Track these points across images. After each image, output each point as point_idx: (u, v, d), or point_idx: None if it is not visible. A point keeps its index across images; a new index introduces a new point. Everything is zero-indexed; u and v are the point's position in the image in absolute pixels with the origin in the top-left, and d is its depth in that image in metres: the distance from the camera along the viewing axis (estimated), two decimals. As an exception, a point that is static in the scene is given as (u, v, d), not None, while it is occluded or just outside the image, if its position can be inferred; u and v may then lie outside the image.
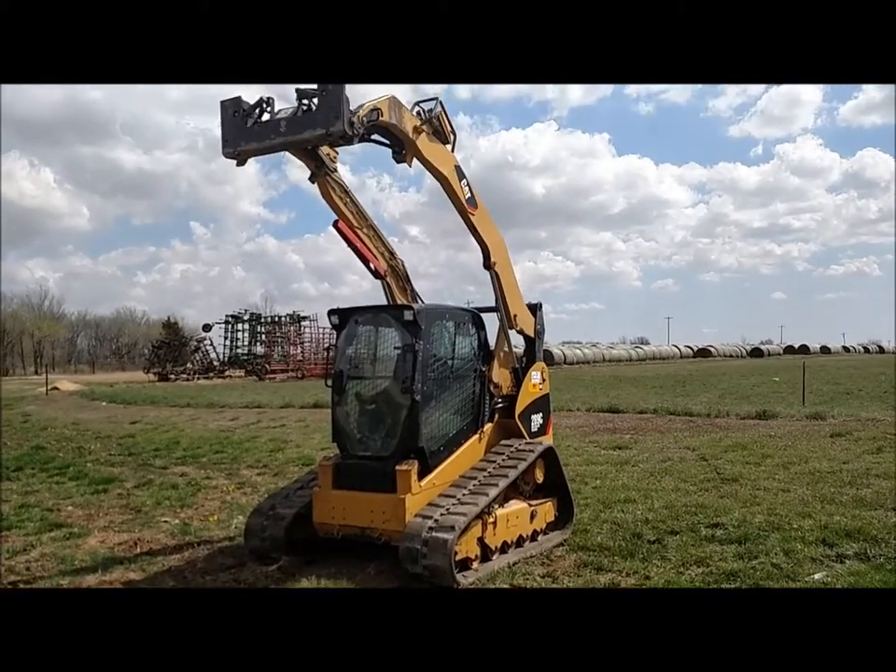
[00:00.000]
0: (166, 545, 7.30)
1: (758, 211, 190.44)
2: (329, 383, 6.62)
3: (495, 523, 6.22)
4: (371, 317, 6.67)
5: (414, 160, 6.20)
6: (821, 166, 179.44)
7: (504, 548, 6.39)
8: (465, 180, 6.53)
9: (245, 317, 57.13)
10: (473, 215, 6.65)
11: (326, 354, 7.08)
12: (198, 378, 49.21)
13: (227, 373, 52.45)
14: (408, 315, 6.18)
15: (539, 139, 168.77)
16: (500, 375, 7.04)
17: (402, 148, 6.08)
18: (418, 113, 6.13)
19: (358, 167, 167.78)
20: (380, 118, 5.61)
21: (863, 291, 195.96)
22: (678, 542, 6.73)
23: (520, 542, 6.59)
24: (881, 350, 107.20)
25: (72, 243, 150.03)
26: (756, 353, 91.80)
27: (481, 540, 6.09)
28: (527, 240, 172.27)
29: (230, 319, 56.19)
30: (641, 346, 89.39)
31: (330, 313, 6.68)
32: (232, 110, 5.62)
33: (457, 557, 5.71)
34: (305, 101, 5.39)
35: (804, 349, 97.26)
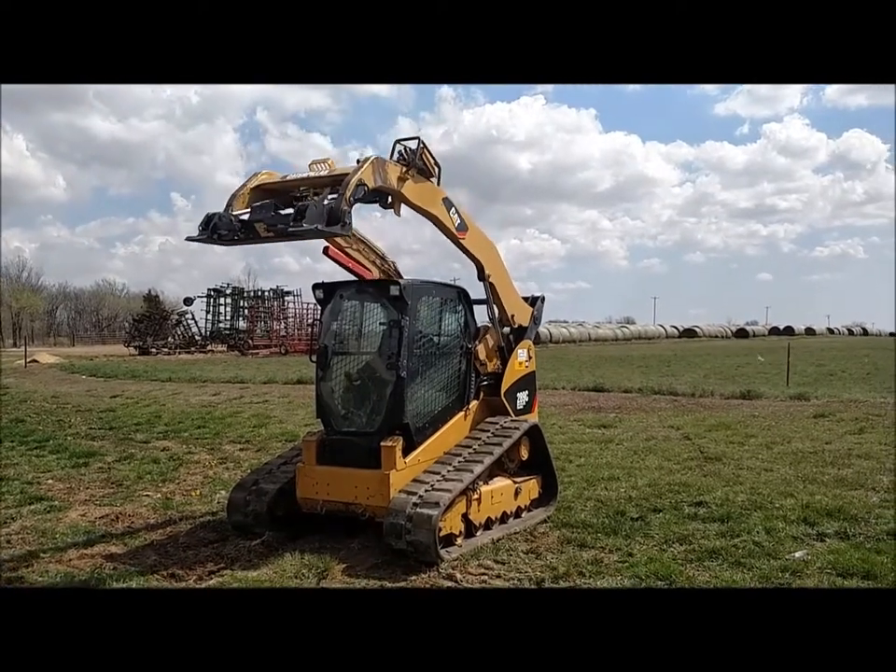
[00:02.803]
0: (148, 519, 7.24)
1: (744, 191, 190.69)
2: (314, 358, 6.56)
3: (479, 499, 6.20)
4: (357, 292, 6.59)
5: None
6: (808, 146, 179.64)
7: (488, 524, 6.38)
8: (453, 209, 6.38)
9: (228, 291, 56.57)
10: (464, 238, 6.56)
11: (310, 329, 7.06)
12: (179, 352, 48.88)
13: (209, 348, 52.14)
14: (394, 291, 6.10)
15: (524, 113, 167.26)
16: (487, 353, 6.99)
17: (388, 196, 5.90)
18: (400, 153, 5.89)
19: (340, 139, 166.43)
20: (366, 191, 5.43)
21: (848, 273, 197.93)
22: (661, 520, 6.76)
23: (504, 519, 6.58)
24: (865, 332, 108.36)
25: (47, 213, 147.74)
26: (741, 334, 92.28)
27: (465, 517, 6.08)
28: (512, 217, 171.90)
29: (212, 293, 55.65)
30: (627, 326, 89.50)
31: (315, 287, 6.59)
32: (210, 243, 5.49)
33: (441, 533, 5.70)
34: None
35: (789, 330, 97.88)
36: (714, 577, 5.31)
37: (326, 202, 5.26)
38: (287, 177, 5.83)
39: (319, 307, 6.69)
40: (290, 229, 5.15)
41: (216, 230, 5.32)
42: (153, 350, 48.69)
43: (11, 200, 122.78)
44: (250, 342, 50.03)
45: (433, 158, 6.09)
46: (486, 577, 5.47)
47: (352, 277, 6.89)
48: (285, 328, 54.57)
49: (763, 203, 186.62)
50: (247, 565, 5.79)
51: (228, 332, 53.88)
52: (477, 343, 6.86)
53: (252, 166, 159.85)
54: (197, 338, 53.90)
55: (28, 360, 33.86)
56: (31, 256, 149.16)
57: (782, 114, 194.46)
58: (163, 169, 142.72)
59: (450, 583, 5.35)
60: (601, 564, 5.67)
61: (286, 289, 55.59)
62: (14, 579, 5.48)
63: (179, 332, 54.37)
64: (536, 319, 7.75)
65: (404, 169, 5.84)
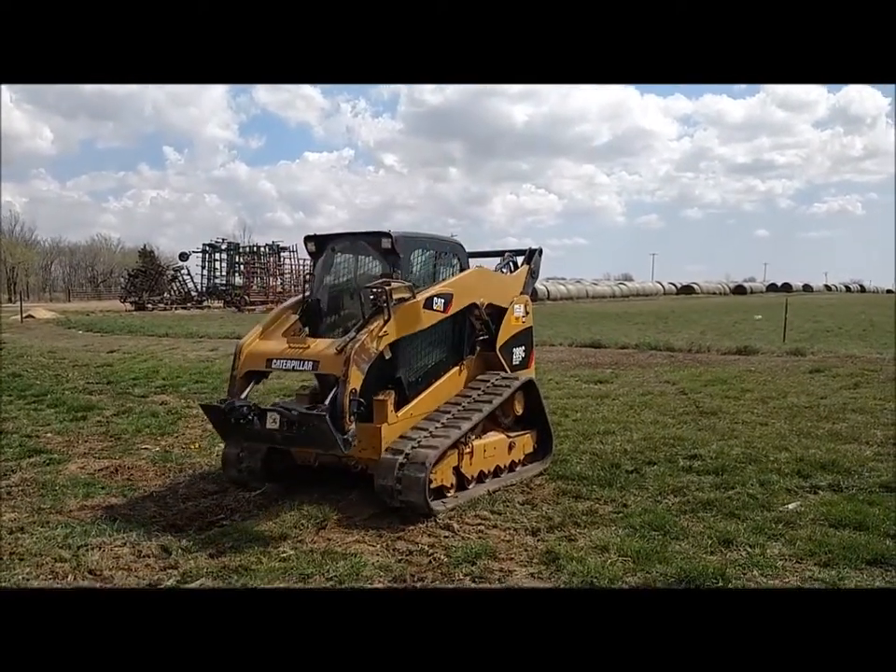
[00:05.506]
0: (147, 472, 7.28)
1: (742, 146, 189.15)
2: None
3: (471, 453, 6.22)
4: (349, 245, 6.52)
5: None
6: (808, 100, 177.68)
7: (481, 478, 6.41)
8: (434, 300, 6.18)
9: (223, 247, 56.03)
10: (452, 307, 6.40)
11: (304, 284, 6.96)
12: (175, 308, 48.72)
13: (205, 304, 51.92)
14: (385, 243, 6.03)
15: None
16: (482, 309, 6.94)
17: None
18: (374, 301, 5.64)
19: (331, 90, 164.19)
20: (361, 402, 5.42)
21: (846, 230, 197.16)
22: (655, 472, 6.82)
23: (497, 473, 6.61)
24: (863, 289, 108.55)
25: (37, 166, 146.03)
26: (739, 290, 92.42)
27: (457, 470, 6.10)
28: (508, 172, 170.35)
29: (207, 249, 55.10)
30: (625, 283, 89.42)
31: (307, 239, 6.53)
32: (215, 417, 5.75)
33: (433, 485, 5.74)
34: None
35: (786, 287, 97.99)
36: (708, 527, 5.38)
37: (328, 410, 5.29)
38: (272, 364, 5.85)
39: (311, 259, 6.63)
40: (301, 412, 5.33)
41: (232, 407, 5.46)
42: (149, 305, 48.47)
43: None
44: (246, 297, 49.78)
45: (403, 284, 5.90)
46: (483, 527, 5.54)
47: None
48: (281, 283, 54.29)
49: (761, 157, 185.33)
50: (247, 515, 5.85)
51: (224, 288, 53.55)
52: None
53: (242, 118, 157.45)
54: (193, 293, 53.61)
55: (24, 316, 33.74)
56: (22, 210, 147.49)
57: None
58: (152, 122, 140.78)
59: (447, 533, 5.42)
60: (596, 514, 5.74)
61: (281, 245, 55.19)
62: (15, 529, 5.52)
63: (175, 288, 54.04)
64: (533, 273, 7.70)
65: (382, 325, 5.64)
